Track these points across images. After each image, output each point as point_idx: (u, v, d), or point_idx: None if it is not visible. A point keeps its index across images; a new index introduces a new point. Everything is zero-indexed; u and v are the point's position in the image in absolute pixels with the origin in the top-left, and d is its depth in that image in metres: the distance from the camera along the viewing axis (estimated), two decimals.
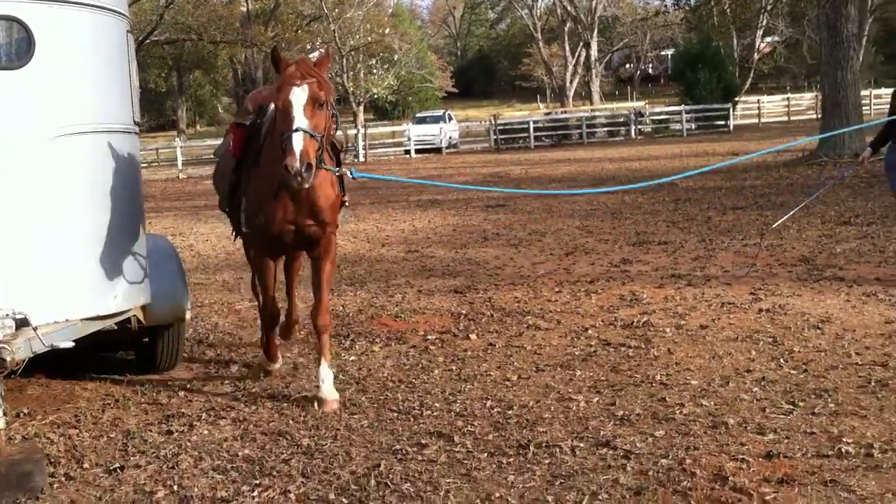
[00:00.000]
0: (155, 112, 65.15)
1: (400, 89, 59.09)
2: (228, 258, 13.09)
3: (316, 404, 5.91)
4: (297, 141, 5.11)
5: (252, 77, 49.65)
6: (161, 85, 61.88)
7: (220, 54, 54.29)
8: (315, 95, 5.27)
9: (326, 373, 6.00)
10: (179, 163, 38.33)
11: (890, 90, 40.05)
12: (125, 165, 6.06)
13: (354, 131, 39.12)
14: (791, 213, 11.07)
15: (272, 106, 5.94)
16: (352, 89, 49.77)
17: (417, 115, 50.39)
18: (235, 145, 6.23)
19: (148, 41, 42.92)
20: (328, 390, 5.96)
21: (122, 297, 5.92)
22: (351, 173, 6.07)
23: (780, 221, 10.79)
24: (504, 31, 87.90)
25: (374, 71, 54.05)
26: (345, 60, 48.81)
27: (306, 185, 5.18)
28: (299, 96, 5.25)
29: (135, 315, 6.26)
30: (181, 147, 40.30)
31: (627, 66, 79.11)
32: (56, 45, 5.50)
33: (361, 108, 52.27)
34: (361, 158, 37.90)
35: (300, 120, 5.18)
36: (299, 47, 47.15)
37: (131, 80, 6.17)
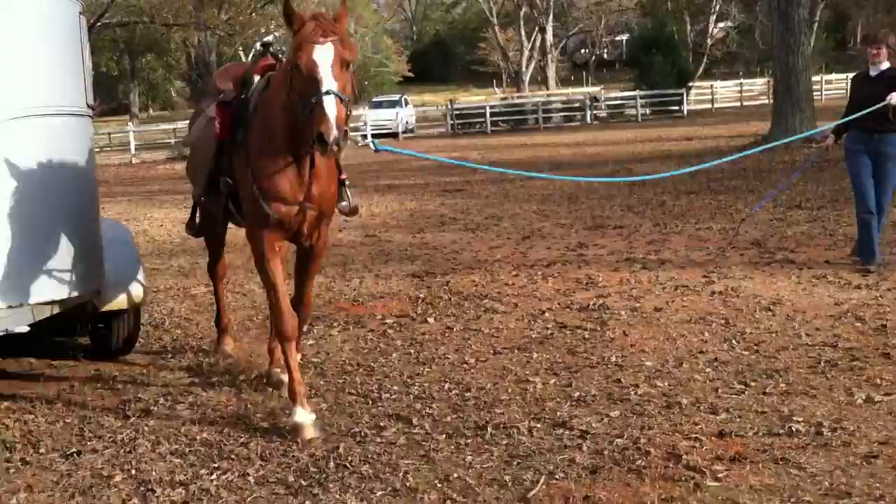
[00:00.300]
0: (107, 96, 64.18)
1: (355, 73, 58.73)
2: (183, 243, 12.97)
3: (277, 388, 5.86)
4: (330, 105, 4.48)
5: (206, 60, 48.94)
6: (113, 69, 61.05)
7: (172, 37, 53.52)
8: (341, 54, 4.65)
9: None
10: (132, 147, 37.90)
11: (841, 75, 40.53)
12: (79, 149, 6.00)
13: None
14: (769, 196, 11.34)
15: (257, 78, 5.54)
16: None
17: (373, 99, 50.13)
18: (223, 126, 5.56)
19: (99, 24, 42.22)
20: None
21: (76, 282, 5.86)
22: (374, 145, 5.55)
23: (760, 205, 11.03)
24: (460, 15, 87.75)
25: None
26: None
27: (342, 155, 4.67)
28: (325, 55, 4.61)
29: (90, 300, 6.21)
30: (134, 131, 39.87)
31: (583, 51, 79.33)
32: (7, 26, 5.42)
33: None
34: None
35: (329, 81, 4.54)
36: (253, 31, 46.71)
37: (84, 62, 6.10)
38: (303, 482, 4.52)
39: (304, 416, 5.15)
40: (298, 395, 5.21)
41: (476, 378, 6.05)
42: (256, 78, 5.58)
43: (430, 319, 7.68)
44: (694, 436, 4.83)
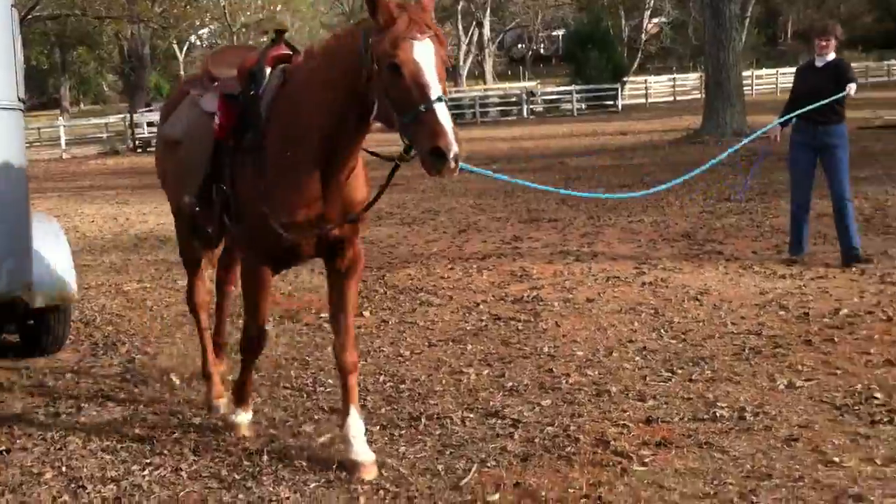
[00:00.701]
0: (37, 90, 62.94)
1: None
2: (115, 239, 12.84)
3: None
4: (445, 115, 3.75)
5: (139, 54, 48.31)
6: (43, 62, 59.79)
7: (104, 30, 52.63)
8: (441, 53, 3.91)
9: (358, 426, 4.62)
10: (63, 142, 37.21)
11: (771, 70, 41.19)
12: (9, 143, 5.91)
13: None
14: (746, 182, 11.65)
15: (269, 70, 4.60)
16: None
17: None
18: (226, 123, 4.65)
19: (30, 16, 41.35)
20: (363, 450, 4.56)
21: (5, 278, 5.79)
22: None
23: (741, 191, 11.28)
24: None
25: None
26: (235, 38, 47.99)
27: (456, 175, 3.87)
28: (427, 53, 3.85)
29: (20, 296, 6.12)
30: (64, 126, 39.12)
31: (520, 46, 79.78)
32: None
33: None
34: None
35: (437, 87, 3.80)
36: (187, 24, 46.15)
37: (16, 55, 6.01)
38: (236, 476, 4.53)
39: (243, 417, 5.08)
40: (246, 398, 5.08)
41: (410, 370, 6.11)
42: (268, 70, 4.64)
43: (366, 313, 7.72)
44: (622, 422, 4.95)
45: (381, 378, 5.95)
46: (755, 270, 8.40)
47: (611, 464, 4.43)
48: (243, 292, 4.77)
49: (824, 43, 8.51)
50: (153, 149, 29.60)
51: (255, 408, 5.42)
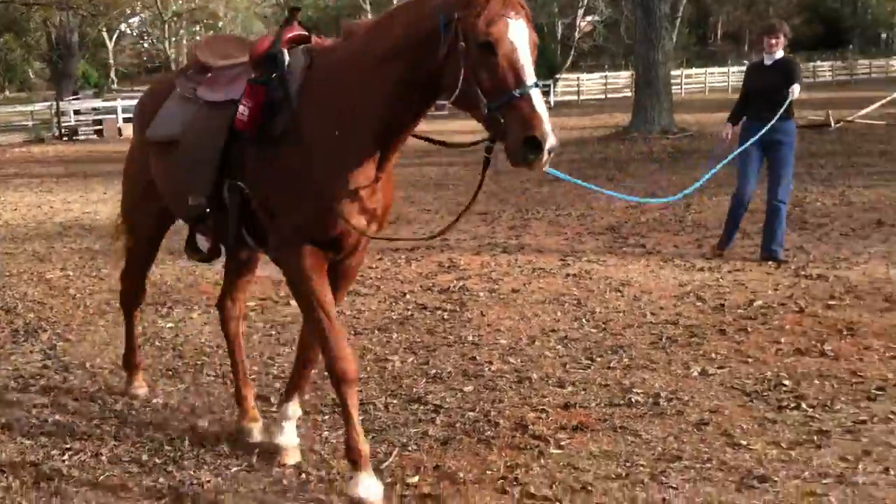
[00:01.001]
0: None
1: None
2: (39, 227, 12.61)
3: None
4: (540, 101, 3.43)
5: (67, 41, 47.32)
6: None
7: (32, 17, 51.48)
8: (533, 35, 3.56)
9: (295, 412, 4.67)
10: None
11: (700, 70, 41.92)
12: None
13: None
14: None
15: (286, 53, 4.11)
16: (174, 57, 48.31)
17: None
18: (254, 112, 4.06)
19: None
20: (289, 435, 4.61)
21: None
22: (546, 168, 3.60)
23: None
24: (333, 1, 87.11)
25: (198, 38, 52.54)
26: (167, 26, 47.36)
27: (545, 169, 3.55)
28: (522, 34, 3.49)
29: None
30: None
31: None
32: None
33: None
34: None
35: (532, 71, 3.47)
36: (118, 11, 45.38)
37: None
38: (157, 460, 4.54)
39: (371, 484, 4.05)
40: (363, 458, 4.07)
41: None
42: (287, 54, 4.13)
43: (293, 302, 7.68)
44: (541, 408, 5.08)
45: None
46: (675, 263, 8.62)
47: (528, 447, 4.55)
48: (297, 295, 4.18)
49: (773, 41, 8.63)
50: (80, 137, 28.78)
51: (179, 396, 5.45)
